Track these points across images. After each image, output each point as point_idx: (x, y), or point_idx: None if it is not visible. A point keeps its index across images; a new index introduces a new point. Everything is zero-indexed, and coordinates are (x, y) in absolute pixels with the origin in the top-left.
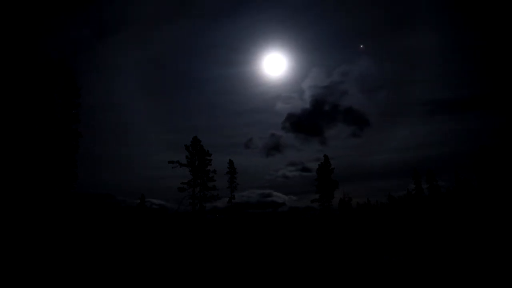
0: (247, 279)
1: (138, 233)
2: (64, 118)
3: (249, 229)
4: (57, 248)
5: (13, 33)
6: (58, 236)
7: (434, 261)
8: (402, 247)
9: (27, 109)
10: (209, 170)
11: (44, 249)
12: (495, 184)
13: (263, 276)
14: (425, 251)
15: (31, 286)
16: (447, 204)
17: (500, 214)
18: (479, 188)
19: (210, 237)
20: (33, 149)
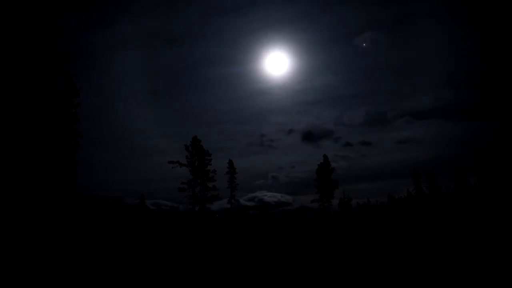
0: (248, 279)
1: (140, 233)
2: (64, 118)
3: (249, 229)
4: (61, 247)
5: (12, 38)
6: (61, 236)
7: (434, 261)
8: (402, 247)
9: (27, 109)
10: (209, 170)
11: (47, 248)
12: (495, 183)
13: (264, 276)
14: (425, 251)
15: (34, 285)
16: (447, 204)
17: (500, 214)
18: (479, 188)
19: (211, 237)
20: (33, 149)
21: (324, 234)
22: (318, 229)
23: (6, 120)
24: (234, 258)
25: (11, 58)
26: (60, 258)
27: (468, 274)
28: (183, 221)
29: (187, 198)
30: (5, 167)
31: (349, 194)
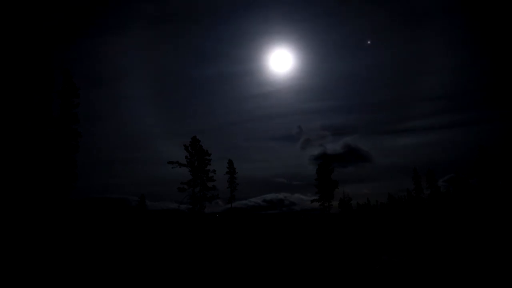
0: (246, 279)
1: (140, 234)
2: (64, 118)
3: (249, 229)
4: (61, 247)
5: (12, 38)
6: (60, 236)
7: (434, 261)
8: (402, 247)
9: (26, 109)
10: (208, 170)
11: (47, 249)
12: (494, 183)
13: (262, 276)
14: (425, 251)
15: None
16: (447, 204)
17: (500, 214)
18: (478, 188)
19: (212, 237)
20: (33, 149)
21: (324, 234)
22: (318, 229)
23: (6, 120)
24: (234, 258)
25: (11, 57)
26: (60, 259)
27: (468, 274)
28: (183, 221)
29: (187, 198)
30: (4, 167)
31: (349, 194)
